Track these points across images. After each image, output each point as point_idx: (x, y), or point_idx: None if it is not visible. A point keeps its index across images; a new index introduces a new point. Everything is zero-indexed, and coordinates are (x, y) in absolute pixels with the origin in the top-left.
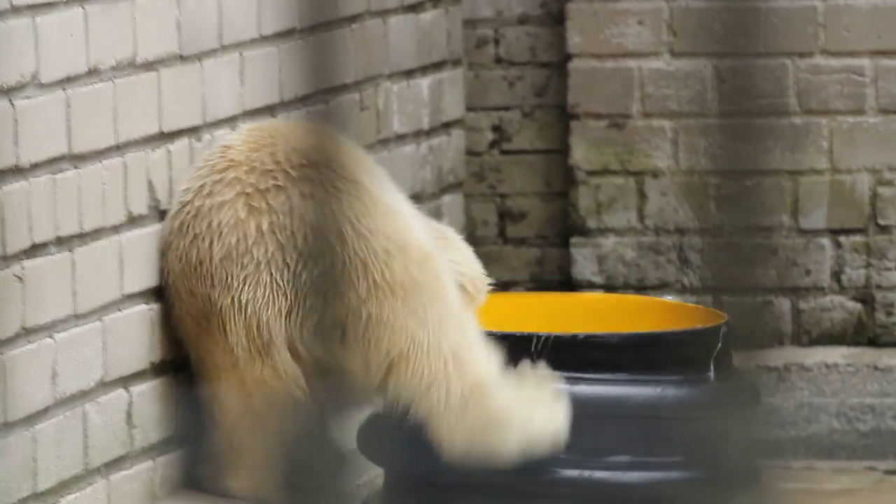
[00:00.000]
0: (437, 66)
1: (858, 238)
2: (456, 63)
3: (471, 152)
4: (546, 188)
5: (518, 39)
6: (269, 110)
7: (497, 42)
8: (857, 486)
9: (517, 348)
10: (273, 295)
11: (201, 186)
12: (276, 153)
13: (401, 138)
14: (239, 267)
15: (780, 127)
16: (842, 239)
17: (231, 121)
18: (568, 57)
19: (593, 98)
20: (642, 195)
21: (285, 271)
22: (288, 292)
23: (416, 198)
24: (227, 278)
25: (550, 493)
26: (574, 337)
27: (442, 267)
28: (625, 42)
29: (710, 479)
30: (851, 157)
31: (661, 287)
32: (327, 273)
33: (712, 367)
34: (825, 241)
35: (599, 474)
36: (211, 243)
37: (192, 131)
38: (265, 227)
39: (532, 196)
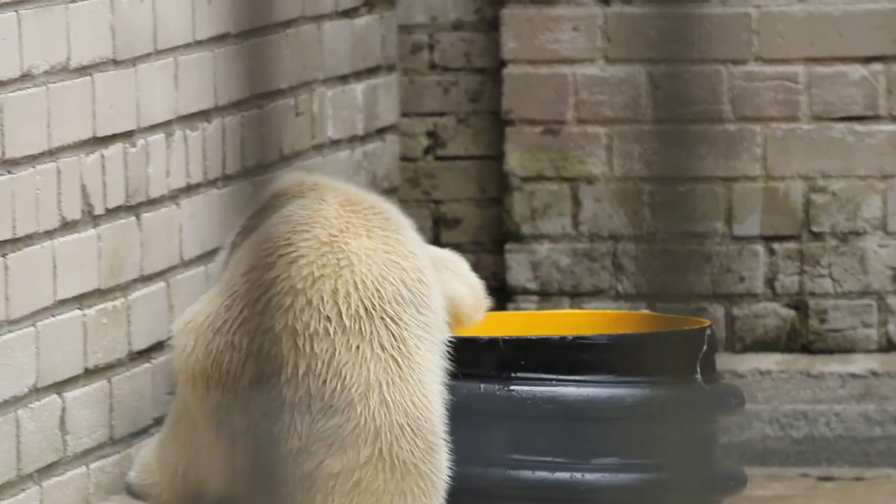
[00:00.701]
0: (372, 71)
1: (792, 245)
2: (390, 68)
3: (405, 158)
4: (480, 194)
5: (453, 45)
6: (203, 115)
7: (432, 48)
8: (791, 493)
9: (511, 352)
10: None
11: None
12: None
13: (335, 144)
14: None
15: (714, 133)
16: (775, 246)
17: (165, 126)
18: (503, 63)
19: (528, 104)
20: (577, 201)
21: None
22: None
23: None
24: None
25: (542, 496)
26: (563, 339)
27: None
28: (559, 48)
29: (695, 481)
30: (785, 164)
31: (596, 294)
32: None
33: (699, 369)
34: (759, 247)
35: (590, 476)
36: None
37: (126, 136)
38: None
39: (466, 202)
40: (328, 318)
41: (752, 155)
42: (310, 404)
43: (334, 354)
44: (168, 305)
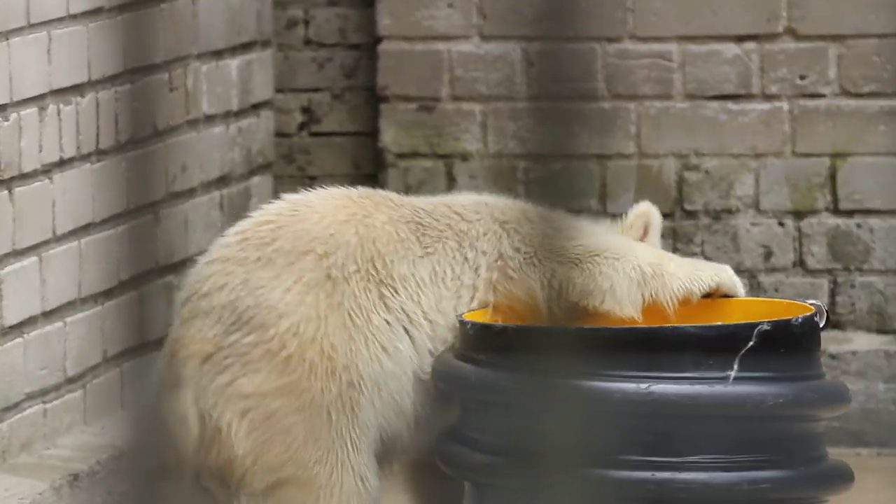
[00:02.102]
0: (247, 46)
1: (665, 222)
2: (265, 44)
3: (280, 134)
4: (355, 170)
5: (328, 21)
6: (77, 90)
7: (307, 23)
8: None
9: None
10: None
11: None
12: None
13: (210, 119)
14: None
15: (589, 111)
16: None
17: (38, 100)
18: (378, 39)
19: (403, 81)
20: (451, 178)
21: None
22: None
23: (225, 179)
24: None
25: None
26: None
27: None
28: (435, 25)
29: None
30: (658, 142)
31: None
32: None
33: (736, 366)
34: None
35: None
36: None
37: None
38: None
39: (341, 178)
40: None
41: (626, 133)
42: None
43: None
44: (41, 280)
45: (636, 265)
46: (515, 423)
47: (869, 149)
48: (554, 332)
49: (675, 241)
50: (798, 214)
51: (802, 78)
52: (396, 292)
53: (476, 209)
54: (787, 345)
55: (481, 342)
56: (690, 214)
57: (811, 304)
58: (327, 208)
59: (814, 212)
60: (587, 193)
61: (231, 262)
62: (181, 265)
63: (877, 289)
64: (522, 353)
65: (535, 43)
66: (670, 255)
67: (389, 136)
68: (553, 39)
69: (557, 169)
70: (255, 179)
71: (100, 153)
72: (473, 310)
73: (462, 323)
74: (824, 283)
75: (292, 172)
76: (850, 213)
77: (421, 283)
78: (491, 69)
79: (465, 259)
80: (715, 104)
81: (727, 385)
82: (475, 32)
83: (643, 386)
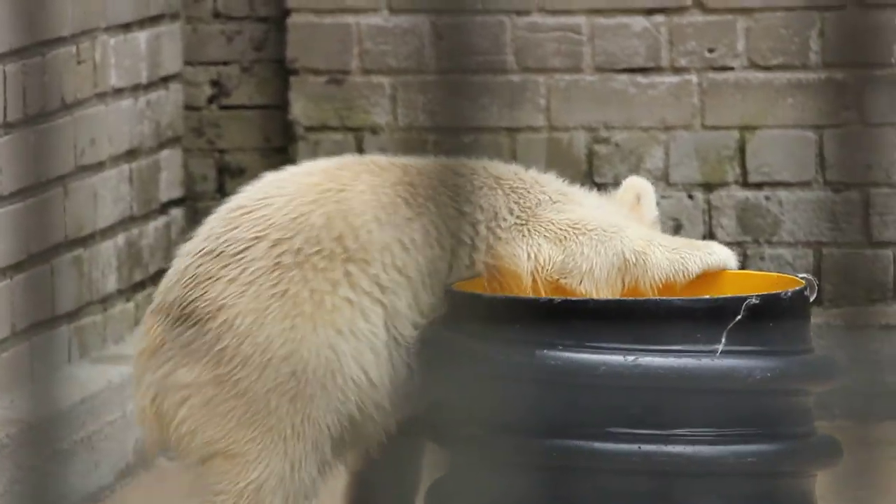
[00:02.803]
0: (155, 19)
1: None
2: (174, 17)
3: (189, 107)
4: (265, 144)
5: None
6: None
7: None
8: None
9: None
10: None
11: None
12: None
13: (118, 92)
14: None
15: (498, 84)
16: None
17: None
18: (286, 12)
19: (312, 53)
20: (361, 151)
21: None
22: None
23: (134, 153)
24: None
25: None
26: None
27: None
28: None
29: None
30: (568, 115)
31: None
32: None
33: (724, 339)
34: None
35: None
36: None
37: None
38: None
39: (251, 152)
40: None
41: (536, 106)
42: None
43: None
44: None
45: (620, 251)
46: (499, 394)
47: (777, 121)
48: (535, 302)
49: None
50: (707, 187)
51: (711, 51)
52: (368, 264)
53: (471, 165)
54: (776, 319)
55: (468, 312)
56: (600, 187)
57: (802, 278)
58: (298, 189)
59: (723, 184)
60: None
61: (191, 254)
62: (90, 238)
63: (786, 261)
64: (505, 323)
65: (445, 16)
66: (661, 237)
67: (299, 109)
68: (462, 13)
69: (467, 142)
70: (165, 153)
71: (7, 126)
72: (472, 276)
73: (450, 292)
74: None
75: (202, 146)
76: (759, 186)
77: (411, 245)
78: (400, 42)
79: (462, 213)
80: (624, 77)
81: (714, 358)
82: (384, 5)
83: (630, 358)
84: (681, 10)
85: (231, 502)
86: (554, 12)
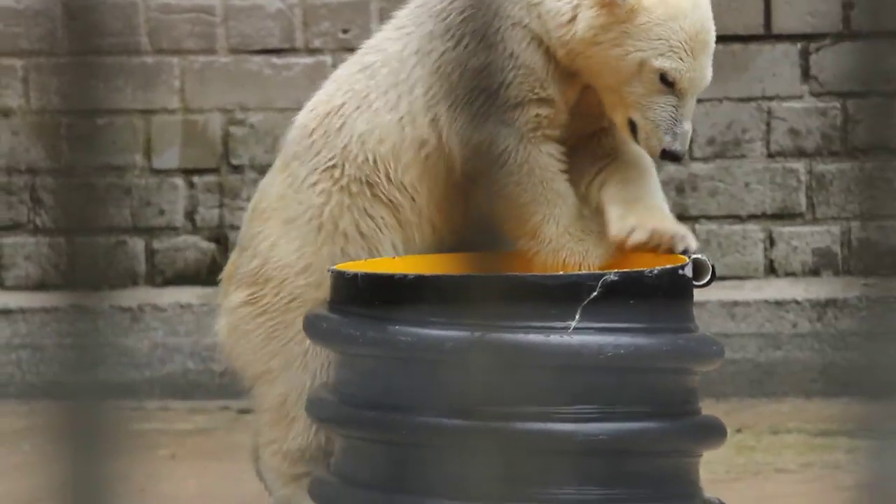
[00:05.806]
0: None
1: (211, 178)
2: None
3: None
4: None
5: None
6: None
7: None
8: (212, 426)
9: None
10: None
11: None
12: None
13: None
14: None
15: (131, 66)
16: (195, 179)
17: None
18: None
19: None
20: None
21: None
22: None
23: None
24: None
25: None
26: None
27: None
28: None
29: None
30: (203, 97)
31: (14, 228)
32: None
33: (577, 316)
34: (178, 180)
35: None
36: None
37: None
38: None
39: None
40: None
41: (171, 87)
42: None
43: None
44: None
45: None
46: (357, 371)
47: None
48: (391, 279)
49: (222, 196)
50: None
51: (345, 31)
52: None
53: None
54: (639, 296)
55: (341, 291)
56: (236, 169)
57: (695, 259)
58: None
59: None
60: (131, 149)
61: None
62: None
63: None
64: (367, 299)
65: None
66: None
67: None
68: None
69: (101, 124)
70: None
71: None
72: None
73: (330, 271)
74: None
75: None
76: None
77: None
78: (32, 24)
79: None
80: (259, 58)
81: (565, 335)
82: None
83: (476, 334)
84: None
85: (266, 418)
86: None
